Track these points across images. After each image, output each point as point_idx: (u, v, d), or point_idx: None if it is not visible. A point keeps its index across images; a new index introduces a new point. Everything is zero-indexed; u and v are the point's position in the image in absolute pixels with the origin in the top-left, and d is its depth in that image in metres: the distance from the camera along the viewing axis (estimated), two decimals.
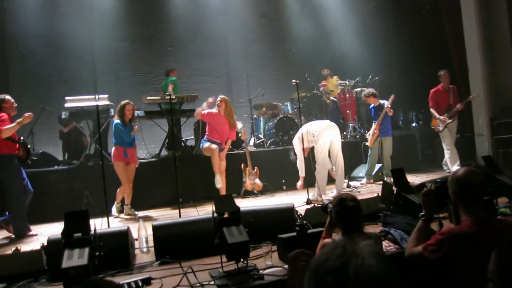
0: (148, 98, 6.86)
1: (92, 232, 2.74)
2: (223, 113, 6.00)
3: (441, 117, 7.21)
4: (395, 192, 3.85)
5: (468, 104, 8.31)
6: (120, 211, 5.96)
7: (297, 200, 5.73)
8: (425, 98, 7.73)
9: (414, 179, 6.56)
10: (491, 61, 8.03)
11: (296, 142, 6.04)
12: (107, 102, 6.63)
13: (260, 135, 8.52)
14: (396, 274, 0.95)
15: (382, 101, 7.12)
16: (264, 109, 8.58)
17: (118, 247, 3.34)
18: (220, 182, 5.83)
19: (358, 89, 8.97)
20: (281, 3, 10.17)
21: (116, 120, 5.86)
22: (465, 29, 8.14)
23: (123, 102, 5.90)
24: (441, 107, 7.27)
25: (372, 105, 7.27)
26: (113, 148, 5.84)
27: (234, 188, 6.94)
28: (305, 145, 5.84)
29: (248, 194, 6.86)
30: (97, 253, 2.66)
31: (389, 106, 6.88)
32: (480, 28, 7.90)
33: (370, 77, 9.10)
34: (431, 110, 7.37)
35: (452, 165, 7.19)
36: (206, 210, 5.75)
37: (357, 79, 9.09)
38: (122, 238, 3.39)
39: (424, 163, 8.58)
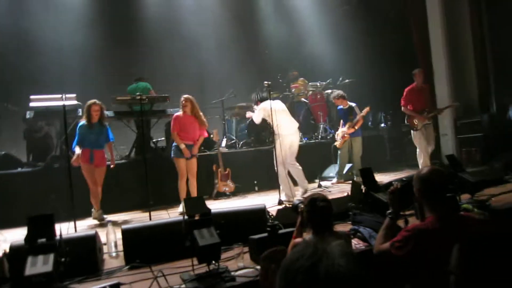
0: (118, 98, 6.72)
1: (58, 237, 2.66)
2: (190, 112, 5.81)
3: (420, 116, 6.95)
4: (364, 191, 3.94)
5: (434, 105, 8.61)
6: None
7: (270, 200, 5.78)
8: (393, 100, 7.92)
9: (382, 178, 6.71)
10: (455, 64, 8.32)
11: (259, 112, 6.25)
12: (74, 102, 6.45)
13: (232, 136, 8.51)
14: (365, 273, 0.97)
15: (351, 103, 7.25)
16: (236, 110, 8.58)
17: (86, 253, 3.25)
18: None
19: (329, 91, 9.10)
20: (254, 5, 10.19)
21: (82, 122, 5.63)
22: (430, 33, 8.41)
23: (89, 102, 5.63)
24: (416, 106, 7.01)
25: (340, 107, 7.39)
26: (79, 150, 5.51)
27: (206, 190, 6.91)
28: (265, 116, 6.14)
29: (220, 195, 6.84)
30: (63, 259, 2.58)
31: (363, 115, 7.12)
32: (444, 32, 8.18)
33: (340, 79, 9.25)
34: (403, 109, 7.13)
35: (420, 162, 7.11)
36: (177, 213, 5.70)
37: (328, 81, 9.23)
38: (90, 243, 3.30)
39: (392, 163, 8.79)
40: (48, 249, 2.55)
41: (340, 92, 7.40)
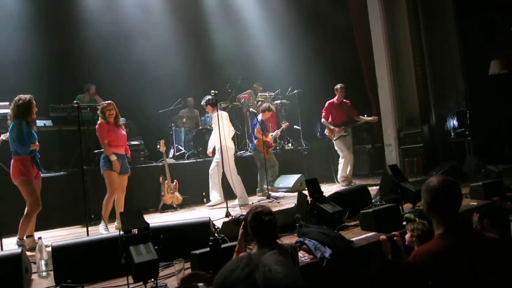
0: (56, 106, 6.32)
1: None
2: (114, 119, 5.38)
3: (336, 128, 7.50)
4: (309, 202, 3.92)
5: (379, 116, 8.92)
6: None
7: (218, 213, 5.65)
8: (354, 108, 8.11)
9: (330, 188, 6.80)
10: (397, 76, 8.69)
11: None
12: (7, 110, 6.01)
13: (180, 147, 8.30)
14: (301, 279, 1.00)
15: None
16: (184, 120, 8.39)
17: (9, 273, 2.95)
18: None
19: (278, 101, 9.16)
20: (204, 16, 10.06)
21: (16, 119, 4.47)
22: (374, 49, 8.74)
23: (28, 97, 4.54)
24: (336, 119, 7.56)
25: (261, 118, 7.26)
26: (13, 160, 4.47)
27: (151, 202, 6.65)
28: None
29: (167, 208, 6.59)
30: None
31: (279, 132, 7.68)
32: (387, 45, 8.53)
33: (289, 89, 9.35)
34: (323, 120, 7.68)
35: (341, 172, 7.56)
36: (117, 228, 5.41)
37: (277, 91, 9.29)
38: (14, 263, 3.00)
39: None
40: None
41: (268, 104, 7.39)
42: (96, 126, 5.38)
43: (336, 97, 7.57)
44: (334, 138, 7.59)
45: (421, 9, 8.50)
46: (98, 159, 6.73)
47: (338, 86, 7.56)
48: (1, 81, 7.16)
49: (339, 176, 7.66)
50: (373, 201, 4.92)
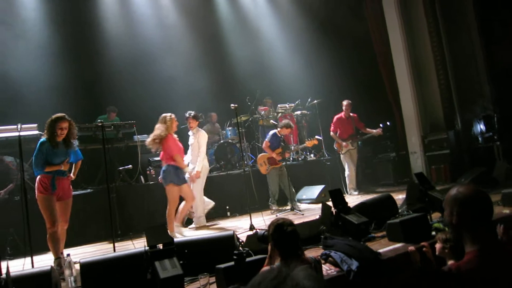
0: (81, 125, 6.49)
1: (4, 275, 2.43)
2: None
3: (344, 143, 7.88)
4: (334, 213, 3.87)
5: (402, 124, 8.78)
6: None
7: (242, 225, 5.63)
8: (363, 120, 8.08)
9: (354, 199, 6.70)
10: (418, 82, 8.55)
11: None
12: (35, 132, 6.21)
13: None
14: None
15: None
16: None
17: None
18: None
19: (298, 112, 9.14)
20: (221, 32, 10.19)
21: (43, 138, 4.50)
22: (393, 54, 8.65)
23: (53, 116, 4.47)
24: (343, 133, 7.95)
25: (277, 133, 7.14)
26: (37, 178, 4.49)
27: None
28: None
29: (191, 222, 6.61)
30: None
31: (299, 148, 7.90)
32: (407, 53, 8.44)
33: (309, 100, 9.32)
34: (332, 134, 8.06)
35: (350, 186, 7.82)
36: (144, 243, 5.45)
37: (296, 102, 9.28)
38: (44, 280, 3.06)
39: (364, 183, 8.81)
40: None
41: (289, 122, 7.26)
42: (163, 140, 5.53)
43: (343, 112, 7.97)
44: (342, 152, 7.94)
45: (440, 12, 8.35)
46: (123, 175, 6.90)
47: (345, 102, 7.96)
48: (33, 105, 7.41)
49: (348, 188, 7.87)
50: (399, 211, 4.81)
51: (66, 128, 4.46)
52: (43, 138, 4.50)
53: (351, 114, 7.98)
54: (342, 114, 7.98)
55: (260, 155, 7.29)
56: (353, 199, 6.85)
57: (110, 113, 8.08)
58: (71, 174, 4.77)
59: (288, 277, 0.95)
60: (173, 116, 5.67)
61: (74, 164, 4.82)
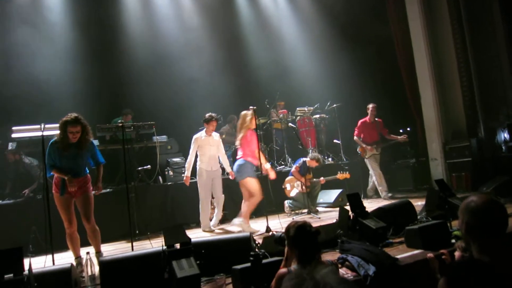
0: (101, 126, 6.61)
1: (27, 271, 2.50)
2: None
3: (368, 147, 7.80)
4: (351, 217, 3.84)
5: (422, 130, 8.64)
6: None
7: (258, 228, 5.64)
8: (383, 124, 7.99)
9: (372, 204, 6.62)
10: (441, 88, 8.41)
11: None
12: (57, 132, 6.35)
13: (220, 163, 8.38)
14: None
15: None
16: (224, 136, 8.48)
17: (60, 286, 3.08)
18: None
19: (317, 116, 9.10)
20: (241, 34, 10.25)
21: (54, 139, 4.45)
22: (416, 59, 8.53)
23: (64, 119, 4.36)
24: (367, 137, 7.85)
25: (306, 163, 7.08)
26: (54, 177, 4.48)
27: (193, 218, 6.73)
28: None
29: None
30: None
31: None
32: (429, 57, 8.31)
33: (328, 104, 9.28)
34: (355, 138, 7.95)
35: (381, 189, 7.72)
36: (161, 243, 5.51)
37: (316, 105, 9.25)
38: (64, 277, 3.13)
39: None
40: (16, 286, 2.40)
41: (319, 157, 7.20)
42: (247, 135, 5.68)
43: (368, 116, 7.86)
44: (366, 156, 7.85)
45: (465, 17, 8.16)
46: (142, 175, 7.00)
47: (370, 106, 7.86)
48: (59, 106, 7.56)
49: (380, 190, 7.80)
50: (418, 217, 4.74)
51: (79, 132, 4.32)
52: (54, 139, 4.42)
53: (376, 119, 7.89)
54: (367, 118, 7.89)
55: (288, 178, 7.25)
56: (372, 204, 6.78)
57: (126, 116, 8.19)
58: (97, 184, 4.60)
59: (319, 281, 0.92)
60: (252, 112, 5.74)
61: (96, 170, 4.69)
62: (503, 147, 8.01)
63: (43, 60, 7.89)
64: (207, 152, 6.28)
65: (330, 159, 8.90)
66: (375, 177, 7.82)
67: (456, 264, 2.01)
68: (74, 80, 8.09)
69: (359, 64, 9.42)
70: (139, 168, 7.01)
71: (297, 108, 9.20)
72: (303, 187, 6.95)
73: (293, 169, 7.21)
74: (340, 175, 7.08)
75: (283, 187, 7.24)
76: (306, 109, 9.12)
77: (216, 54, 9.58)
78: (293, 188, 7.17)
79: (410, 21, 8.53)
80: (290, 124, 8.30)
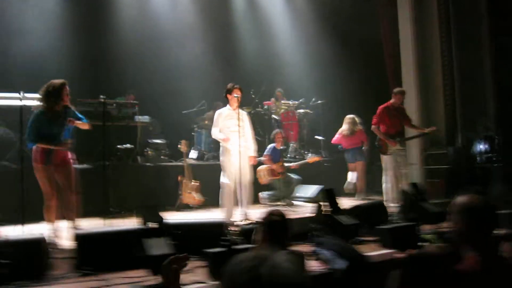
0: (82, 100, 6.51)
1: None
2: None
3: (391, 140, 6.24)
4: (325, 213, 3.91)
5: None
6: None
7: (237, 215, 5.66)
8: (364, 124, 8.02)
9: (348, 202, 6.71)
10: (425, 93, 8.52)
11: None
12: (37, 103, 6.19)
13: (201, 148, 8.38)
14: (309, 282, 1.01)
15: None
16: (206, 122, 8.45)
17: (32, 256, 3.06)
18: None
19: (301, 111, 9.16)
20: (229, 19, 10.20)
21: (39, 109, 4.42)
22: (402, 64, 8.64)
23: (59, 82, 4.33)
24: (390, 127, 6.34)
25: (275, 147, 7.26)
26: (34, 148, 4.38)
27: (169, 200, 6.72)
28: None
29: (184, 207, 6.66)
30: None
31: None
32: (415, 64, 8.41)
33: (313, 99, 9.34)
34: (373, 127, 6.40)
35: (389, 196, 6.32)
36: (135, 222, 5.49)
37: (300, 100, 9.30)
38: (36, 247, 3.11)
39: None
40: None
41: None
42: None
43: (392, 100, 6.30)
44: (388, 152, 6.29)
45: (454, 29, 8.29)
46: (121, 154, 6.92)
47: (397, 89, 6.47)
48: (41, 76, 7.39)
49: (387, 196, 6.37)
50: (392, 218, 4.85)
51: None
52: (39, 109, 4.38)
53: (400, 105, 6.41)
54: (389, 103, 6.30)
55: (260, 167, 7.16)
56: (349, 202, 6.79)
57: (129, 96, 8.09)
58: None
59: (267, 259, 0.97)
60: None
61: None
62: (478, 158, 8.22)
63: (30, 34, 7.69)
64: (231, 129, 5.54)
65: (310, 155, 8.97)
66: (389, 183, 6.24)
67: (415, 256, 2.08)
68: (58, 55, 7.91)
69: (346, 63, 9.49)
70: (118, 146, 6.93)
71: (282, 101, 9.23)
72: (277, 174, 6.98)
73: (263, 158, 7.17)
74: (310, 159, 7.16)
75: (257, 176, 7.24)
76: (290, 102, 9.17)
77: (206, 41, 9.53)
78: (265, 176, 7.14)
79: (400, 26, 8.58)
80: (273, 116, 8.32)
